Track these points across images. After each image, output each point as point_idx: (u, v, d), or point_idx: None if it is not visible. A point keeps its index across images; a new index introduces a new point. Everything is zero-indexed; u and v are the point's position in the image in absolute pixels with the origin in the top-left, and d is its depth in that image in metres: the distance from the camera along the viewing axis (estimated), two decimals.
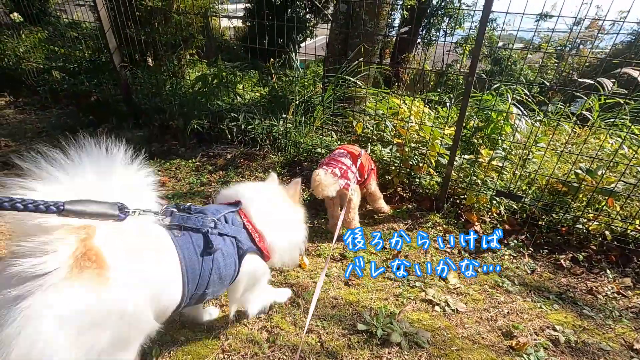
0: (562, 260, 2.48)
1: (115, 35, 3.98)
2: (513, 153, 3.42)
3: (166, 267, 1.08)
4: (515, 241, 2.65)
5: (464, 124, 3.62)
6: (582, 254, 2.53)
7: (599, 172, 2.61)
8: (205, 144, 3.98)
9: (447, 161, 2.81)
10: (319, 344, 1.49)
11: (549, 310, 1.92)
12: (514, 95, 3.66)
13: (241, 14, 11.28)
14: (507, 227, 2.82)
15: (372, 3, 3.78)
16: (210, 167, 3.49)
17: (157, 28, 5.32)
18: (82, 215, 0.85)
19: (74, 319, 0.84)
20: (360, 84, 3.57)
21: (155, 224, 1.10)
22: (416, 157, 3.17)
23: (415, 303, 1.82)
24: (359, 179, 2.50)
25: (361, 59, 3.59)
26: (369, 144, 3.34)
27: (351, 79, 3.53)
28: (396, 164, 3.13)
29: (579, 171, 2.68)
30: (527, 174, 3.03)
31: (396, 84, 7.85)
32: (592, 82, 3.63)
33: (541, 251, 2.58)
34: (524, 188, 3.01)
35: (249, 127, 3.80)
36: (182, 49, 5.46)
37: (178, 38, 4.99)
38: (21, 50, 5.65)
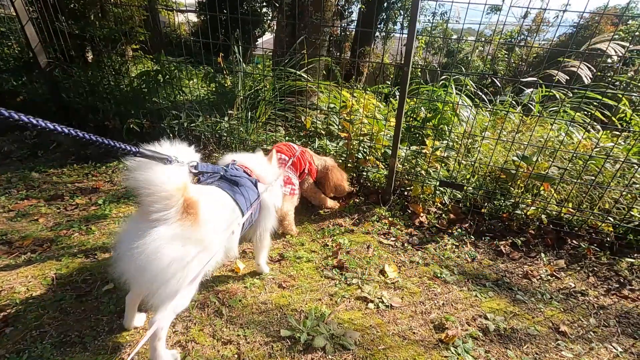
0: (502, 246, 2.53)
1: (38, 30, 3.65)
2: (459, 143, 3.47)
3: (227, 204, 1.51)
4: (459, 230, 2.67)
5: (415, 117, 3.67)
6: (521, 238, 2.58)
7: (534, 159, 2.67)
8: (146, 144, 3.74)
9: (392, 150, 2.78)
10: (236, 356, 1.39)
11: (484, 298, 1.93)
12: (466, 89, 3.71)
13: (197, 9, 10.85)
14: (452, 216, 2.84)
15: None
16: None
17: (93, 21, 4.96)
18: (148, 157, 1.21)
19: (180, 238, 1.27)
20: (305, 76, 3.47)
21: (211, 185, 1.55)
22: (363, 150, 3.13)
23: (350, 302, 1.76)
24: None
25: (303, 52, 3.49)
26: (316, 139, 3.26)
27: (293, 70, 3.43)
28: (342, 158, 3.07)
29: (515, 158, 2.74)
30: (471, 163, 3.07)
31: (354, 77, 7.84)
32: (533, 78, 3.74)
33: (483, 238, 2.62)
34: (467, 177, 3.05)
35: (192, 125, 3.61)
36: (123, 43, 5.13)
37: (117, 32, 4.68)
38: None
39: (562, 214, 2.67)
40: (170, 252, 1.22)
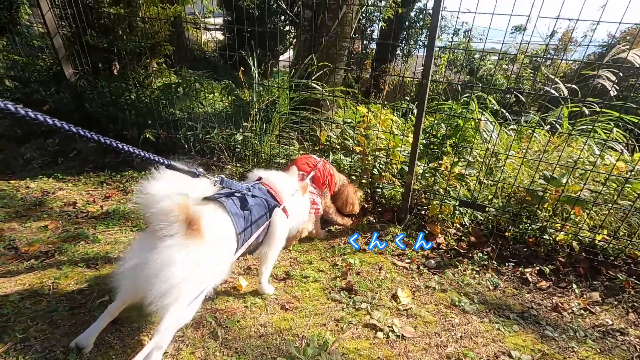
0: (527, 274, 2.32)
1: (67, 43, 3.79)
2: (480, 161, 3.30)
3: (225, 223, 1.50)
4: (480, 254, 2.48)
5: (435, 133, 3.53)
6: (549, 266, 2.37)
7: (564, 180, 2.47)
8: (162, 154, 3.75)
9: (409, 166, 2.65)
10: None
11: (508, 332, 1.74)
12: (488, 106, 3.57)
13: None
14: (472, 238, 2.65)
15: (335, 9, 3.67)
16: None
17: (121, 36, 5.14)
18: (178, 170, 1.30)
19: (187, 250, 1.30)
20: (318, 86, 3.41)
21: (213, 204, 1.52)
22: (378, 166, 3.01)
23: (357, 329, 1.61)
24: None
25: (321, 64, 3.45)
26: (331, 153, 3.17)
27: (305, 81, 3.38)
28: (357, 174, 2.96)
29: (541, 180, 2.55)
30: (493, 183, 2.89)
31: (373, 93, 7.78)
32: (554, 91, 3.57)
33: (507, 264, 2.42)
34: (490, 198, 2.87)
35: (207, 136, 3.60)
36: (149, 57, 5.28)
37: (143, 46, 4.81)
38: None
39: (596, 241, 2.44)
40: (179, 261, 1.27)
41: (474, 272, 2.30)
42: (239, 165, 3.42)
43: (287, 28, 11.15)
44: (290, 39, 11.23)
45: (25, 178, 3.29)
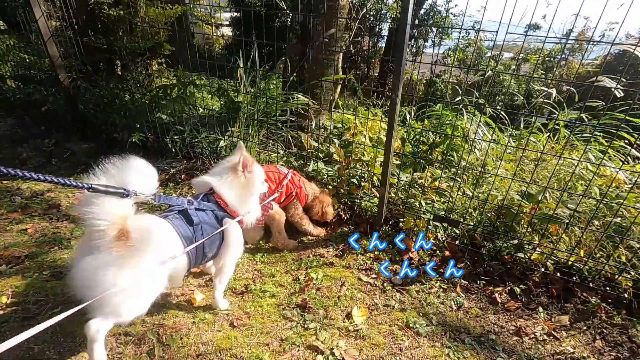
0: (497, 294, 2.27)
1: (64, 44, 3.89)
2: (468, 173, 3.23)
3: (169, 237, 1.52)
4: (453, 270, 2.43)
5: (424, 141, 3.47)
6: (521, 286, 2.31)
7: (540, 197, 2.40)
8: (151, 158, 3.82)
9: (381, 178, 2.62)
10: None
11: (457, 358, 1.71)
12: (483, 111, 3.48)
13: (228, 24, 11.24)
14: (447, 253, 2.61)
15: (324, 14, 3.63)
16: None
17: (121, 37, 5.22)
18: (103, 192, 1.26)
19: (114, 264, 1.32)
20: (303, 97, 3.40)
21: (159, 218, 1.57)
22: (359, 176, 2.98)
23: (298, 350, 1.61)
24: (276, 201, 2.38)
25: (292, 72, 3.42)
26: (312, 161, 3.16)
27: (291, 92, 3.37)
28: (334, 184, 2.94)
29: (516, 196, 2.48)
30: (473, 197, 2.83)
31: (376, 94, 7.70)
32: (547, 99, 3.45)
33: (478, 282, 2.37)
34: (469, 211, 2.81)
35: (194, 140, 3.64)
36: (148, 57, 5.35)
37: (143, 47, 4.88)
38: None
39: (571, 262, 2.36)
40: (106, 276, 1.30)
41: (441, 290, 2.26)
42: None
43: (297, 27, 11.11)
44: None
45: (18, 179, 3.40)
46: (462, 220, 2.56)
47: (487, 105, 3.62)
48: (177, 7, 5.12)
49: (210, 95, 4.86)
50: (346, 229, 2.78)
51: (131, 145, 3.62)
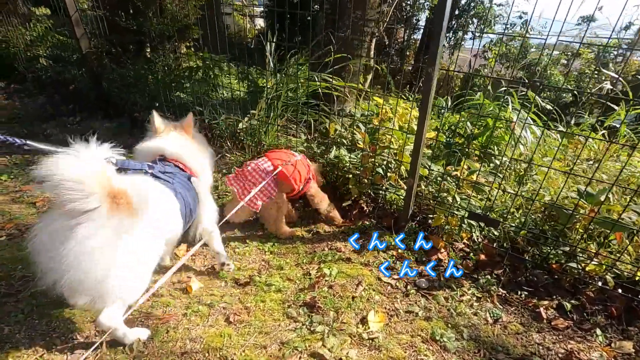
0: (542, 308, 1.92)
1: (82, 22, 3.84)
2: (510, 168, 2.86)
3: (166, 198, 1.42)
4: (488, 277, 2.10)
5: (460, 132, 3.12)
6: (572, 301, 1.94)
7: (602, 197, 2.01)
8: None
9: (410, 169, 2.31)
10: None
11: None
12: (533, 105, 3.09)
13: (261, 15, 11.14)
14: (482, 257, 2.28)
15: None
16: None
17: (151, 18, 5.17)
18: (37, 149, 1.24)
19: (114, 231, 1.14)
20: (331, 79, 3.14)
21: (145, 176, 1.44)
22: (384, 165, 2.69)
23: (300, 357, 1.37)
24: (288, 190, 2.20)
25: (334, 56, 3.16)
26: (334, 147, 2.90)
27: (318, 74, 3.11)
28: (357, 172, 2.67)
29: (573, 194, 2.10)
30: (517, 194, 2.47)
31: (410, 86, 7.30)
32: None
33: (518, 293, 2.03)
34: (511, 211, 2.45)
35: (213, 122, 3.48)
36: (177, 40, 5.28)
37: (172, 29, 4.80)
38: (27, 38, 5.69)
39: (639, 277, 1.96)
40: (102, 247, 1.11)
41: (474, 298, 1.94)
42: (239, 154, 3.26)
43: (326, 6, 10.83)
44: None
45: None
46: (502, 220, 2.22)
47: (534, 98, 3.20)
48: None
49: (236, 81, 4.72)
50: (367, 223, 2.51)
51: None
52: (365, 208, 2.64)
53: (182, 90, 3.71)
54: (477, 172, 2.47)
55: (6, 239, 1.97)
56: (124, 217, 1.14)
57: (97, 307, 1.19)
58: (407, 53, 10.66)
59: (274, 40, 3.32)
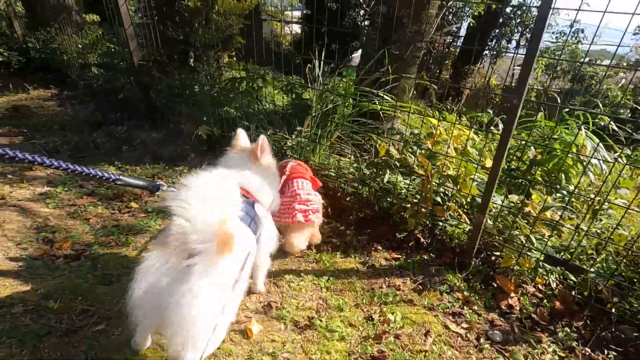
0: None
1: (136, 34, 3.90)
2: (580, 200, 2.61)
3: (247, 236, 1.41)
4: (567, 330, 1.89)
5: (520, 157, 2.89)
6: None
7: None
8: (216, 152, 3.68)
9: (480, 204, 2.13)
10: None
11: None
12: (596, 122, 2.83)
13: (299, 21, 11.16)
14: (557, 305, 2.05)
15: (413, 4, 3.18)
16: None
17: (196, 28, 5.23)
18: (130, 185, 1.22)
19: (217, 277, 1.16)
20: (383, 96, 2.99)
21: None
22: (443, 194, 2.51)
23: None
24: None
25: (384, 68, 3.01)
26: (387, 170, 2.74)
27: (369, 90, 2.97)
28: (414, 201, 2.50)
29: None
30: (598, 233, 2.22)
31: (451, 98, 7.03)
32: None
33: (605, 352, 1.80)
34: (589, 252, 2.21)
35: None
36: (220, 50, 5.32)
37: (216, 39, 4.83)
38: (79, 46, 5.90)
39: None
40: (209, 295, 1.13)
41: (557, 357, 1.73)
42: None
43: (365, 23, 10.69)
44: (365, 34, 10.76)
45: (90, 163, 3.44)
46: (586, 267, 1.99)
47: (600, 116, 2.92)
48: (252, 0, 4.98)
49: (276, 91, 4.67)
50: (426, 257, 2.34)
51: (196, 139, 3.50)
52: (422, 240, 2.47)
53: (228, 103, 3.67)
54: (557, 208, 2.25)
55: (63, 261, 1.96)
56: (227, 258, 1.17)
57: (175, 352, 1.13)
58: (446, 62, 10.35)
59: (312, 51, 3.21)
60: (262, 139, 1.76)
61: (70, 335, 1.44)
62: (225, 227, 1.15)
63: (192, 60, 5.60)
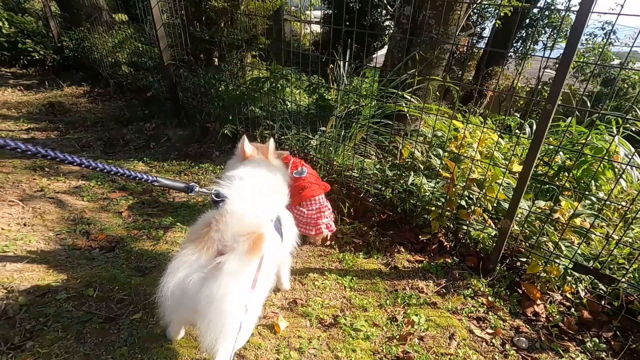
0: None
1: (174, 34, 4.01)
2: (612, 208, 2.54)
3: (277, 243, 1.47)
4: (596, 340, 1.85)
5: (548, 161, 2.84)
6: None
7: None
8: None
9: (508, 209, 2.10)
10: None
11: None
12: (627, 126, 2.76)
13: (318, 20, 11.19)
14: (585, 314, 2.01)
15: (440, 5, 3.16)
16: None
17: (222, 28, 5.33)
18: (168, 187, 1.22)
19: (249, 270, 1.21)
20: (409, 98, 2.99)
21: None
22: (468, 197, 2.49)
23: None
24: None
25: (413, 70, 3.00)
26: (412, 172, 2.74)
27: (394, 90, 2.97)
28: (439, 204, 2.49)
29: None
30: (630, 243, 2.17)
31: (474, 100, 6.92)
32: None
33: None
34: (621, 262, 2.15)
35: (283, 137, 3.47)
36: (245, 50, 5.41)
37: (241, 39, 4.92)
38: (110, 45, 6.11)
39: None
40: (239, 292, 1.18)
41: None
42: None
43: (386, 23, 10.62)
44: (389, 34, 10.67)
45: (120, 159, 3.58)
46: (618, 277, 1.94)
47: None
48: (276, 0, 5.04)
49: (298, 91, 4.71)
50: (449, 260, 2.33)
51: (222, 137, 3.58)
52: (445, 243, 2.46)
53: (253, 102, 3.74)
54: (581, 215, 2.21)
55: (99, 252, 2.05)
56: (257, 257, 1.22)
57: (209, 345, 1.19)
58: (469, 62, 10.17)
59: (334, 50, 3.22)
60: (271, 140, 1.79)
61: (110, 323, 1.52)
62: (260, 229, 1.21)
63: (216, 59, 5.71)
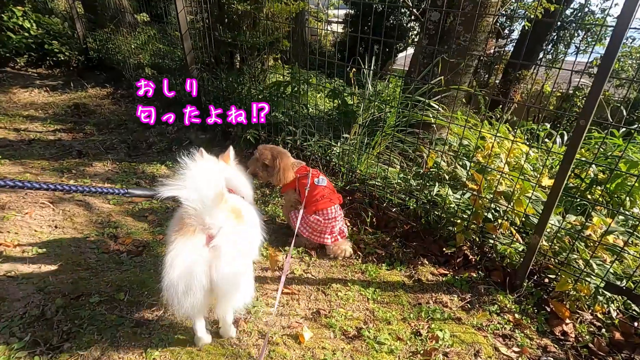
0: None
1: (197, 37, 4.08)
2: None
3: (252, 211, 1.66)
4: None
5: (579, 174, 2.75)
6: None
7: None
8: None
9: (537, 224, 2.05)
10: None
11: None
12: None
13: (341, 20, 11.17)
14: (617, 336, 1.94)
15: (469, 12, 3.10)
16: (255, 182, 3.26)
17: (244, 31, 5.40)
18: (137, 195, 1.41)
19: (234, 233, 1.37)
20: (437, 106, 2.94)
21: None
22: (494, 210, 2.44)
23: None
24: None
25: (439, 78, 2.96)
26: (436, 183, 2.70)
27: (422, 99, 2.93)
28: (464, 217, 2.45)
29: None
30: None
31: (501, 107, 6.75)
32: None
33: None
34: None
35: (305, 143, 3.48)
36: (266, 52, 5.46)
37: (263, 42, 4.96)
38: (132, 46, 6.24)
39: None
40: (238, 262, 1.36)
41: None
42: (331, 179, 3.20)
43: (410, 24, 10.50)
44: (413, 37, 10.54)
45: (143, 162, 3.66)
46: None
47: None
48: (299, 3, 5.05)
49: (319, 94, 4.71)
50: (474, 275, 2.28)
51: (244, 142, 3.62)
52: (470, 257, 2.42)
53: (275, 107, 3.76)
54: (615, 232, 2.12)
55: (127, 256, 2.11)
56: (243, 224, 1.44)
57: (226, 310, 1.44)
58: (496, 66, 9.93)
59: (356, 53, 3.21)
60: (230, 149, 1.85)
61: (141, 327, 1.56)
62: (225, 200, 1.34)
63: (237, 62, 5.78)
